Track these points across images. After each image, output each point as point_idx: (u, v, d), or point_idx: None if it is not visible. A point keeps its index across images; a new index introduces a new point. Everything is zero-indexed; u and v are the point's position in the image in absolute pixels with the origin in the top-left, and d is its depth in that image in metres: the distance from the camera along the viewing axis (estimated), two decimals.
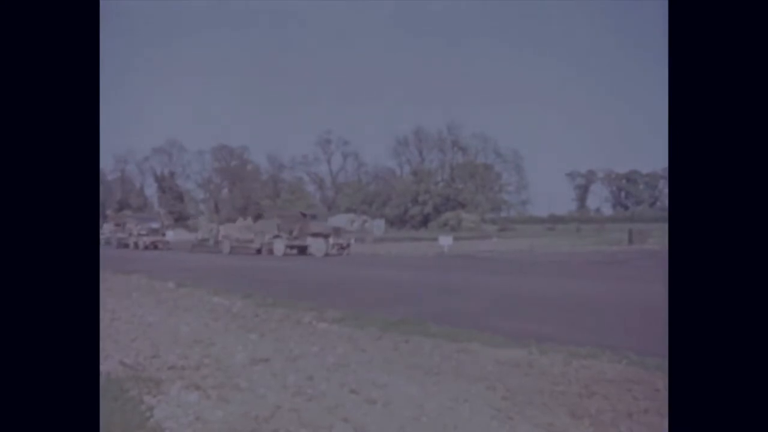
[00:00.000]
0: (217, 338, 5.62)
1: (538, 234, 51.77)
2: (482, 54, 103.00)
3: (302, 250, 23.45)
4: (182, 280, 11.60)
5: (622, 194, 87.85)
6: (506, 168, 77.04)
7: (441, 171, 77.82)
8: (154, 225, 33.11)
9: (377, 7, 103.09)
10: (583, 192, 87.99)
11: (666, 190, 69.01)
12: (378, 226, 58.21)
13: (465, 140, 76.43)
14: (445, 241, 24.66)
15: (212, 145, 77.72)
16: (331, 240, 22.95)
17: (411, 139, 78.87)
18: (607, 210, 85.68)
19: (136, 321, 6.73)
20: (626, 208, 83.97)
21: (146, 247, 30.47)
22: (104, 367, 4.28)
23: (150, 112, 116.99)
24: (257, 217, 30.72)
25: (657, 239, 28.04)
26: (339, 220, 41.09)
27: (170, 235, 33.23)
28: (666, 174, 52.39)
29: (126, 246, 31.41)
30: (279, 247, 23.79)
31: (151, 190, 76.10)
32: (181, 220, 61.91)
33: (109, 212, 47.45)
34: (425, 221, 68.75)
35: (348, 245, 24.13)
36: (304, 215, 25.33)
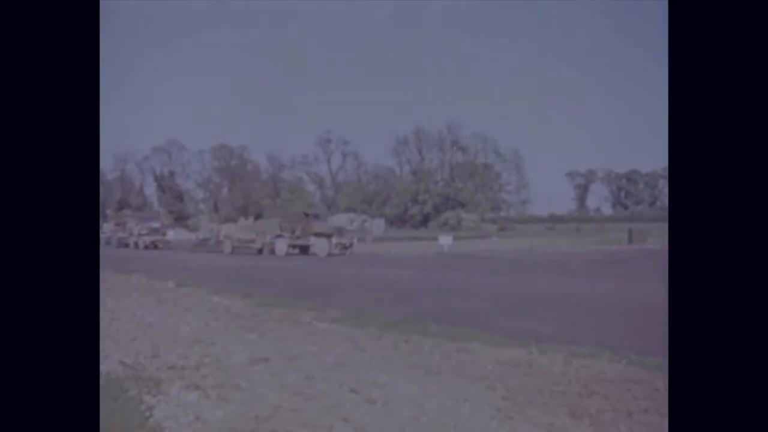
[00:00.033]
0: (216, 338, 5.62)
1: (538, 233, 51.80)
2: (482, 54, 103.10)
3: (304, 250, 23.37)
4: (183, 280, 11.60)
5: (622, 194, 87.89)
6: (506, 167, 77.22)
7: (441, 170, 77.92)
8: (155, 224, 33.07)
9: (377, 7, 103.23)
10: (582, 191, 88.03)
11: (666, 190, 69.12)
12: (378, 225, 58.31)
13: (465, 140, 76.59)
14: (445, 240, 24.66)
15: (212, 144, 77.97)
16: (334, 240, 22.86)
17: (411, 139, 79.05)
18: (607, 209, 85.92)
19: (136, 321, 6.73)
20: (626, 207, 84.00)
21: (147, 247, 30.45)
22: (104, 366, 4.28)
23: (150, 112, 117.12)
24: (257, 216, 30.66)
25: (657, 239, 28.08)
26: (339, 219, 41.12)
27: (170, 234, 33.19)
28: (666, 173, 52.42)
29: (127, 245, 31.39)
30: (281, 246, 23.71)
31: (150, 190, 76.21)
32: (180, 219, 61.88)
33: (109, 212, 47.39)
34: (425, 221, 68.79)
35: (351, 245, 24.02)
36: (307, 215, 25.28)
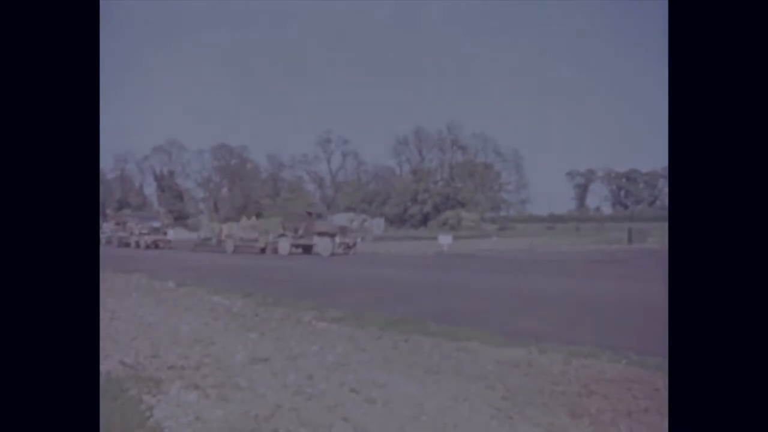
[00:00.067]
0: (217, 337, 5.62)
1: (538, 233, 51.82)
2: (482, 54, 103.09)
3: (307, 249, 23.29)
4: (185, 280, 11.58)
5: (622, 193, 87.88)
6: (506, 167, 77.27)
7: (441, 170, 77.96)
8: (156, 224, 33.01)
9: (377, 7, 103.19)
10: (582, 191, 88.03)
11: (666, 189, 69.16)
12: (377, 224, 58.30)
13: (465, 139, 76.61)
14: (445, 240, 24.64)
15: (212, 144, 77.98)
16: (337, 239, 22.77)
17: (411, 139, 79.08)
18: (607, 209, 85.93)
19: (136, 320, 6.73)
20: (626, 207, 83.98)
21: (148, 246, 30.37)
22: (104, 366, 4.28)
23: (150, 112, 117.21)
24: (257, 215, 30.59)
25: (656, 238, 28.10)
26: (338, 218, 41.09)
27: (171, 234, 33.15)
28: (666, 173, 52.44)
29: (127, 245, 31.33)
30: (284, 246, 23.58)
31: (150, 189, 76.24)
32: (180, 219, 61.89)
33: (108, 211, 47.42)
34: (425, 220, 68.81)
35: (354, 244, 23.90)
36: (310, 214, 25.22)
